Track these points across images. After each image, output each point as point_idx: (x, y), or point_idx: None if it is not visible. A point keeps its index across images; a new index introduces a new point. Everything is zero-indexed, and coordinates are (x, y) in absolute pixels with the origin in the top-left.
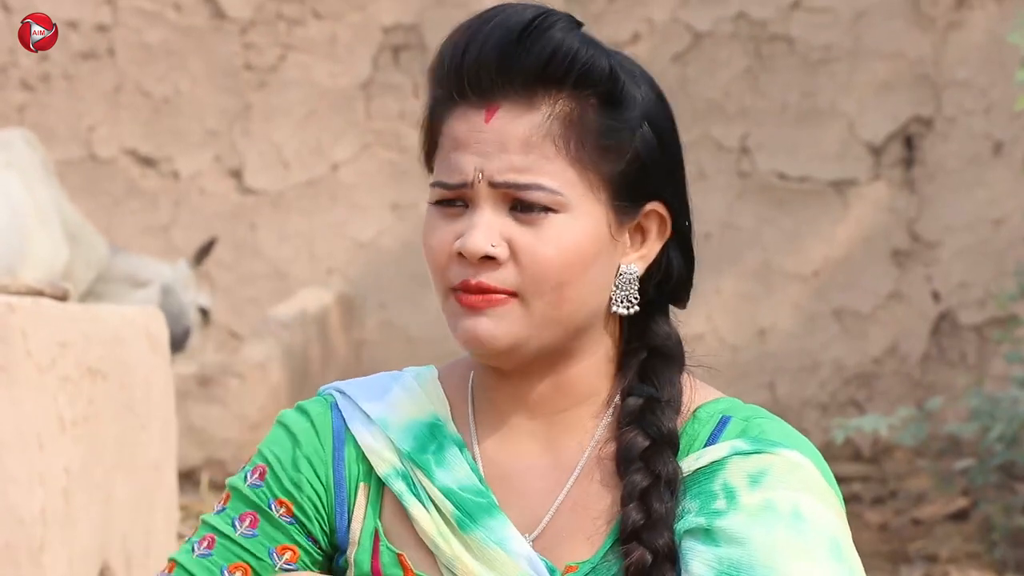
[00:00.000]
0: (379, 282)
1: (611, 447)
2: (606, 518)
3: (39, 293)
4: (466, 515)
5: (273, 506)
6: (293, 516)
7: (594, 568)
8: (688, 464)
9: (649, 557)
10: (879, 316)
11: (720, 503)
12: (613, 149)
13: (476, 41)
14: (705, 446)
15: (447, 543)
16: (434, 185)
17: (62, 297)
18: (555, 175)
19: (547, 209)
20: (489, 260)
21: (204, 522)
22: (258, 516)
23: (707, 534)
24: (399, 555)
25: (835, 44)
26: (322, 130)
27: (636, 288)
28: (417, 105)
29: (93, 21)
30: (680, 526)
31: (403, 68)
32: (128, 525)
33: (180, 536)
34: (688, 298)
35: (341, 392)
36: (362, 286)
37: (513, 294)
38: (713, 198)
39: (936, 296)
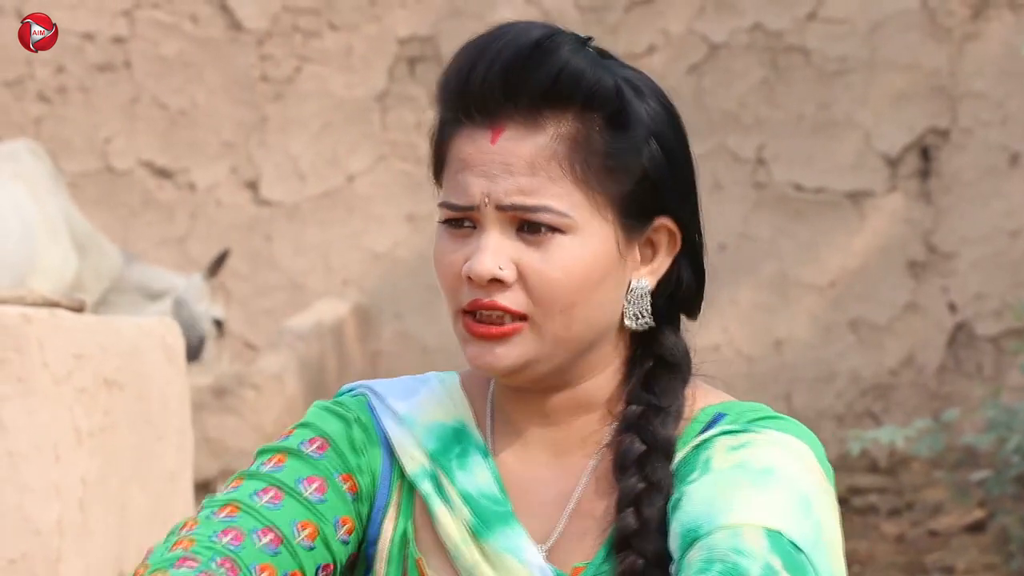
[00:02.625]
0: (395, 293)
1: (611, 453)
2: (607, 522)
3: (55, 304)
4: (482, 522)
5: (339, 479)
6: (356, 493)
7: (596, 571)
8: (680, 454)
9: (640, 562)
10: (895, 327)
11: (695, 474)
12: (619, 170)
13: (483, 62)
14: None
15: (468, 548)
16: (442, 205)
17: (78, 308)
18: (561, 197)
19: (554, 230)
20: (497, 283)
21: (257, 475)
22: (326, 483)
23: (677, 503)
24: (417, 559)
25: (851, 55)
26: (338, 142)
27: (648, 303)
28: (432, 116)
29: (110, 33)
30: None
31: (419, 79)
32: (144, 536)
33: None
34: (699, 310)
35: (370, 389)
36: (378, 297)
37: (523, 317)
38: (729, 209)
39: (952, 307)
